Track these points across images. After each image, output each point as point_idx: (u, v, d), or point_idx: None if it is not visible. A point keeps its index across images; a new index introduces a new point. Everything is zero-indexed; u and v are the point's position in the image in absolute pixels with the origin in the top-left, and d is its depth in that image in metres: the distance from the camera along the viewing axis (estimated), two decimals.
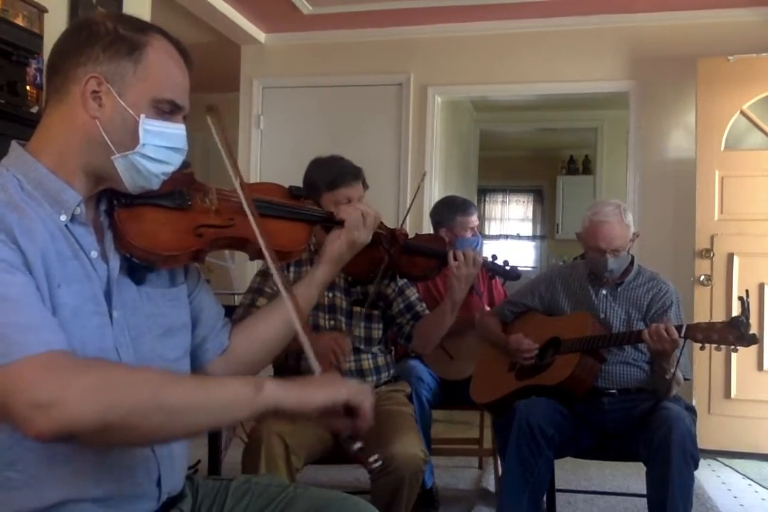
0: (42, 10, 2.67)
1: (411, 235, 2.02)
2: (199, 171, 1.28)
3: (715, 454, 3.53)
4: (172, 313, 1.17)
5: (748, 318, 1.98)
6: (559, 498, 2.54)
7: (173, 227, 1.16)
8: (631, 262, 2.45)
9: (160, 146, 1.08)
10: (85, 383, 0.88)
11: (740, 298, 2.02)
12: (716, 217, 3.69)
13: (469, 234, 3.03)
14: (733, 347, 2.01)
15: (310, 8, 4.11)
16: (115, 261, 1.09)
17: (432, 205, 3.37)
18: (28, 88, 2.49)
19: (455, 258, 1.91)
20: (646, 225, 3.87)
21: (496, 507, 2.30)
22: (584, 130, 6.99)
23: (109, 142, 1.05)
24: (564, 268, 2.68)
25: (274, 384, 0.98)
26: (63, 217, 1.03)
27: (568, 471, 3.18)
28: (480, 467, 3.40)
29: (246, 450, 1.93)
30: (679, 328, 2.07)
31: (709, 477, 3.28)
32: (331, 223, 1.41)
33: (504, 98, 4.97)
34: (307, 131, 4.48)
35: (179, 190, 1.19)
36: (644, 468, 2.13)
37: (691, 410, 2.34)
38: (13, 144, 1.08)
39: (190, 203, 1.20)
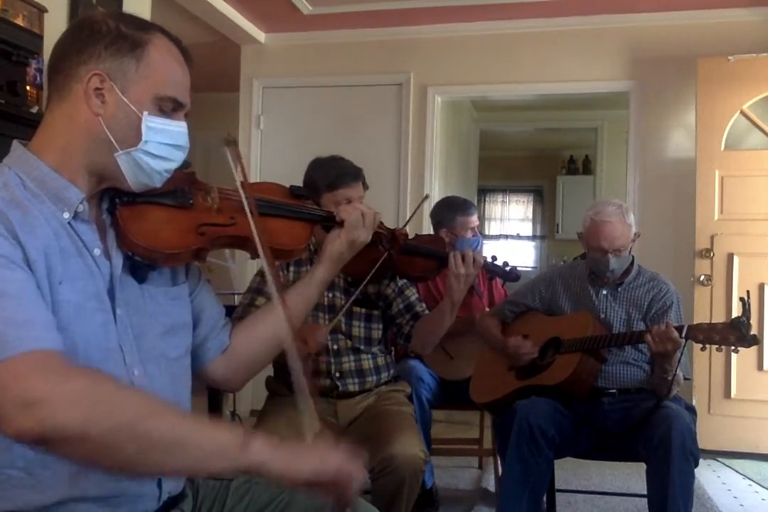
0: (42, 10, 2.66)
1: (411, 236, 2.02)
2: (199, 170, 1.28)
3: (715, 454, 3.53)
4: (173, 312, 1.18)
5: (749, 319, 1.98)
6: (559, 498, 2.54)
7: (175, 225, 1.17)
8: (632, 263, 2.45)
9: (162, 143, 1.08)
10: (75, 387, 0.87)
11: (741, 299, 2.02)
12: (716, 217, 3.69)
13: (469, 234, 3.03)
14: (734, 348, 2.01)
15: (310, 8, 4.10)
16: (118, 259, 1.09)
17: (432, 205, 3.37)
18: (28, 88, 2.49)
19: (455, 259, 1.91)
20: (646, 225, 3.86)
21: (496, 507, 2.30)
22: (584, 130, 6.99)
23: (112, 139, 1.05)
24: (564, 268, 2.68)
25: (262, 444, 0.92)
26: (66, 215, 1.03)
27: (568, 471, 3.18)
28: (480, 467, 3.41)
29: None
30: (680, 329, 2.07)
31: (709, 477, 3.28)
32: (331, 222, 1.42)
33: (504, 98, 4.96)
34: (307, 131, 4.48)
35: (181, 188, 1.20)
36: (644, 469, 2.12)
37: (691, 410, 2.34)
38: (15, 143, 1.08)
39: (191, 202, 1.20)
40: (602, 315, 2.39)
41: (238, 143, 1.25)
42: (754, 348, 2.04)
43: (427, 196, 3.36)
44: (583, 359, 2.26)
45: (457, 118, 5.45)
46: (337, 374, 2.15)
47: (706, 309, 3.63)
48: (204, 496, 1.23)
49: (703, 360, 3.51)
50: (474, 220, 3.06)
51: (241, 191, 1.21)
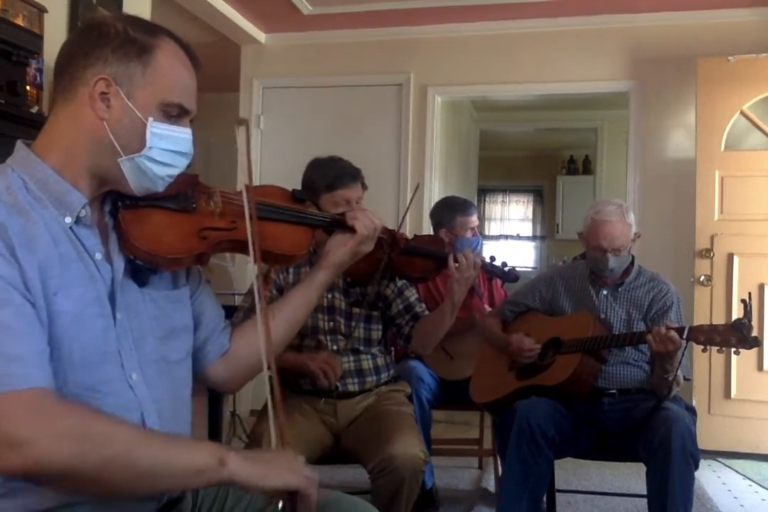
0: (42, 10, 2.66)
1: (410, 236, 2.02)
2: (199, 170, 1.28)
3: (715, 454, 3.53)
4: (174, 315, 1.17)
5: (750, 321, 1.98)
6: (559, 498, 2.54)
7: (177, 229, 1.16)
8: (632, 263, 2.45)
9: (166, 149, 1.08)
10: (61, 427, 0.89)
11: (743, 301, 2.02)
12: (716, 217, 3.69)
13: (469, 234, 3.03)
14: (735, 350, 2.01)
15: (310, 8, 4.10)
16: (119, 263, 1.09)
17: (432, 205, 3.37)
18: (28, 88, 2.49)
19: (455, 261, 1.90)
20: (646, 225, 3.86)
21: (496, 507, 2.30)
22: (584, 130, 6.98)
23: (116, 144, 1.05)
24: (564, 268, 2.68)
25: (237, 461, 0.98)
26: (68, 219, 1.03)
27: (568, 471, 3.18)
28: (480, 467, 3.41)
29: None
30: (681, 330, 2.07)
31: (710, 477, 3.28)
32: (341, 226, 1.41)
33: (504, 98, 4.96)
34: (307, 131, 4.48)
35: (184, 192, 1.19)
36: (644, 468, 2.12)
37: (691, 410, 2.34)
38: (19, 143, 1.07)
39: (194, 205, 1.20)
40: (602, 316, 2.39)
41: (248, 124, 1.24)
42: (754, 349, 2.03)
43: (418, 185, 3.33)
44: (583, 359, 2.26)
45: (457, 118, 5.45)
46: None
47: (706, 310, 3.63)
48: (203, 497, 1.23)
49: (703, 361, 3.50)
50: (474, 220, 3.06)
51: (245, 196, 1.21)
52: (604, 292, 2.42)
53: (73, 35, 1.09)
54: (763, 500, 3.01)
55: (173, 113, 1.08)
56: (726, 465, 3.47)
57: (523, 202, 8.86)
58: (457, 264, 1.90)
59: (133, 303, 1.10)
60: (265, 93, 4.62)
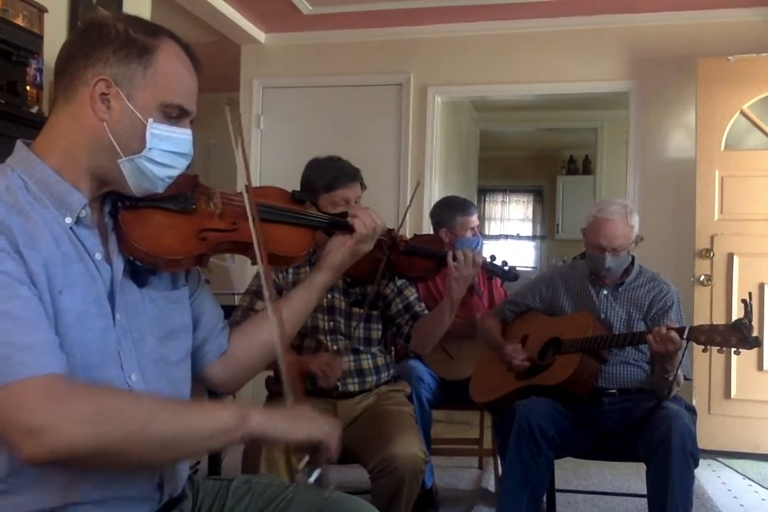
0: (42, 10, 2.66)
1: (410, 235, 2.02)
2: (198, 171, 1.28)
3: (715, 454, 3.53)
4: (174, 316, 1.17)
5: (751, 321, 1.98)
6: (559, 498, 2.54)
7: (177, 231, 1.16)
8: (632, 263, 2.45)
9: (166, 150, 1.08)
10: (79, 411, 0.89)
11: (743, 301, 2.01)
12: (716, 217, 3.69)
13: (469, 234, 3.03)
14: (735, 350, 2.01)
15: (310, 8, 4.10)
16: (119, 264, 1.09)
17: (432, 205, 3.37)
18: (28, 88, 2.49)
19: (454, 259, 1.90)
20: (646, 225, 3.82)
21: (496, 507, 2.30)
22: (584, 130, 6.98)
23: (116, 145, 1.05)
24: (565, 268, 2.68)
25: (260, 416, 1.02)
26: (68, 220, 1.03)
27: (568, 471, 3.18)
28: (480, 467, 3.41)
29: (246, 451, 1.94)
30: (682, 330, 2.07)
31: (709, 477, 3.28)
32: (341, 226, 1.41)
33: (504, 98, 4.96)
34: (307, 131, 4.48)
35: (184, 193, 1.19)
36: (644, 468, 2.12)
37: (691, 410, 2.34)
38: (19, 143, 1.07)
39: (194, 206, 1.20)
40: (602, 315, 2.39)
41: (238, 105, 1.25)
42: (754, 349, 2.03)
43: (419, 182, 3.33)
44: (583, 359, 2.26)
45: (457, 118, 5.45)
46: None
47: (706, 310, 3.63)
48: (204, 497, 1.23)
49: (703, 361, 3.51)
50: (474, 219, 3.06)
51: (245, 197, 1.21)
52: (605, 292, 2.42)
53: (73, 35, 1.09)
54: (763, 500, 3.01)
55: (173, 114, 1.08)
56: (726, 465, 3.47)
57: (523, 202, 8.86)
58: (456, 263, 1.90)
59: (133, 304, 1.10)
60: (265, 93, 4.62)
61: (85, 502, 1.00)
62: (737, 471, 3.38)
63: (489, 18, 4.16)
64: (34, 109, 2.48)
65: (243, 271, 3.85)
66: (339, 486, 1.17)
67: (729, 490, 3.11)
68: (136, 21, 1.08)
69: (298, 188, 1.99)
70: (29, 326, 0.92)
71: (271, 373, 2.26)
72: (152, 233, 1.12)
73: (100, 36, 1.04)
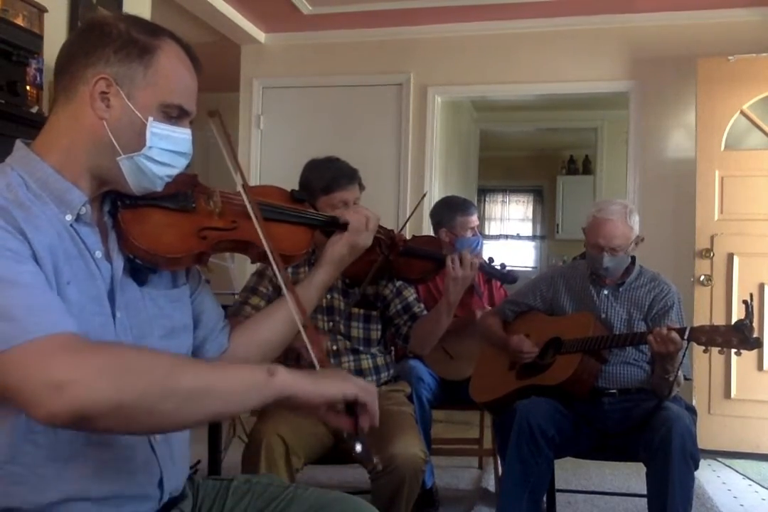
0: (42, 10, 2.67)
1: (409, 235, 2.02)
2: (198, 170, 1.28)
3: (715, 454, 3.53)
4: (174, 314, 1.17)
5: (752, 322, 1.98)
6: (559, 498, 2.54)
7: (177, 229, 1.16)
8: (633, 262, 2.45)
9: (165, 149, 1.08)
10: (99, 363, 0.88)
11: (744, 302, 2.01)
12: (716, 217, 3.69)
13: (469, 234, 3.03)
14: (736, 350, 2.01)
15: (310, 8, 4.11)
16: (119, 262, 1.09)
17: (432, 205, 3.37)
18: (28, 88, 2.49)
19: (452, 261, 1.90)
20: (646, 225, 3.82)
21: (496, 507, 2.30)
22: (584, 130, 6.99)
23: (115, 144, 1.05)
24: (565, 268, 2.69)
25: (286, 372, 0.98)
26: (68, 217, 1.03)
27: (568, 471, 3.18)
28: (480, 467, 3.40)
29: (246, 450, 1.94)
30: (683, 331, 2.07)
31: (709, 477, 3.28)
32: (336, 226, 1.41)
33: (504, 98, 4.97)
34: (307, 131, 4.48)
35: (183, 191, 1.19)
36: (644, 468, 2.12)
37: (691, 410, 2.34)
38: (18, 143, 1.08)
39: (194, 205, 1.20)
40: (603, 315, 2.39)
41: (221, 114, 1.24)
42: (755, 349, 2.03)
43: (425, 194, 3.36)
44: (584, 359, 2.26)
45: (457, 118, 5.45)
46: None
47: (706, 310, 3.63)
48: (204, 496, 1.23)
49: (703, 361, 3.50)
50: (474, 219, 3.06)
51: (244, 195, 1.21)
52: (605, 292, 2.42)
53: (74, 34, 1.09)
54: (763, 500, 3.01)
55: (173, 114, 1.08)
56: (726, 465, 3.47)
57: (523, 202, 8.86)
58: (454, 265, 1.90)
59: (133, 302, 1.10)
60: (265, 93, 4.62)
61: (84, 498, 1.00)
62: (737, 471, 3.38)
63: (488, 18, 4.16)
64: (34, 109, 2.48)
65: (243, 271, 3.85)
66: (339, 486, 1.17)
67: (729, 490, 3.12)
68: (137, 21, 1.09)
69: (297, 188, 1.98)
70: (40, 292, 0.92)
71: None
72: (152, 231, 1.12)
73: (101, 35, 1.04)
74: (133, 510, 1.06)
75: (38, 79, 2.56)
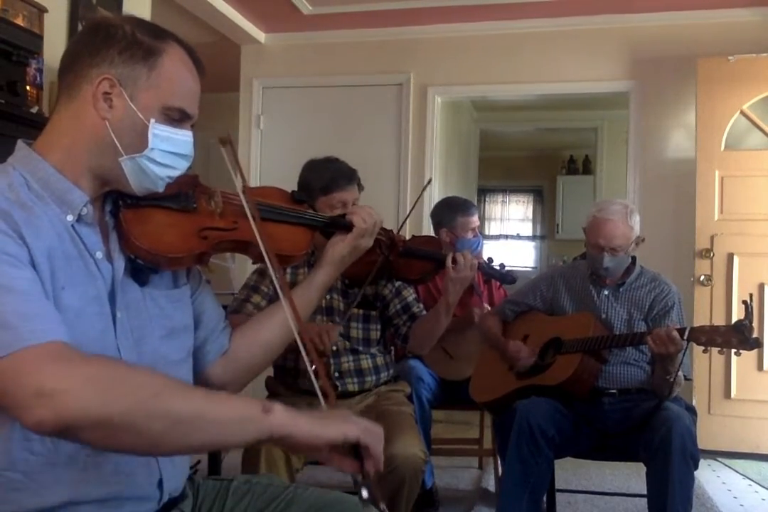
0: (42, 10, 2.67)
1: (409, 236, 2.02)
2: (199, 171, 1.28)
3: (715, 454, 3.53)
4: (175, 315, 1.17)
5: (751, 322, 1.98)
6: (559, 498, 2.54)
7: (178, 229, 1.17)
8: (633, 263, 2.45)
9: (166, 151, 1.08)
10: (88, 373, 0.87)
11: (744, 302, 2.02)
12: (716, 217, 3.69)
13: (470, 234, 3.03)
14: (736, 351, 2.01)
15: (310, 8, 4.10)
16: (119, 262, 1.09)
17: (432, 205, 3.37)
18: (28, 88, 2.49)
19: (451, 262, 1.90)
20: (646, 225, 3.82)
21: (496, 507, 2.30)
22: (584, 130, 6.99)
23: (117, 144, 1.05)
24: (565, 268, 2.69)
25: (283, 410, 0.94)
26: (69, 217, 1.03)
27: (568, 471, 3.18)
28: (480, 467, 3.40)
29: (246, 451, 1.93)
30: (682, 331, 2.07)
31: (709, 477, 3.28)
32: (338, 227, 1.40)
33: (504, 98, 4.97)
34: (307, 131, 4.48)
35: (185, 192, 1.20)
36: (644, 468, 2.13)
37: (691, 410, 2.34)
38: (20, 143, 1.08)
39: (195, 205, 1.20)
40: (603, 316, 2.39)
41: (233, 142, 1.24)
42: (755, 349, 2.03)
43: (430, 180, 3.30)
44: (584, 359, 2.26)
45: (457, 118, 5.45)
46: (336, 374, 2.15)
47: (706, 310, 3.63)
48: (204, 497, 1.23)
49: (703, 361, 3.50)
50: (475, 220, 3.06)
51: (242, 197, 1.21)
52: (605, 292, 2.42)
53: (80, 34, 1.10)
54: (763, 500, 3.01)
55: (175, 117, 1.09)
56: (726, 465, 3.47)
57: (523, 202, 8.86)
58: (452, 266, 1.90)
59: (134, 302, 1.10)
60: (265, 93, 4.62)
61: (84, 501, 1.00)
62: (737, 471, 3.38)
63: (488, 18, 4.16)
64: (34, 109, 2.48)
65: (243, 271, 3.84)
66: (339, 486, 1.17)
67: (729, 490, 3.12)
68: (142, 23, 1.09)
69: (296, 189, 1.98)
70: (34, 299, 0.92)
71: (271, 374, 2.27)
72: (154, 231, 1.12)
73: (106, 36, 1.05)
74: (133, 510, 1.06)
75: (38, 79, 2.56)
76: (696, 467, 2.05)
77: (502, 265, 2.23)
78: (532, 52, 4.21)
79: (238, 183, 1.23)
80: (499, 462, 2.82)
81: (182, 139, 1.10)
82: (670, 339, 2.05)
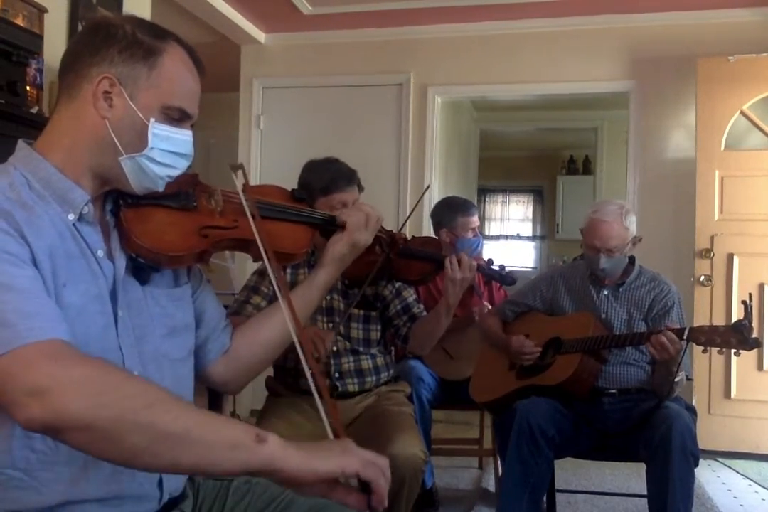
0: (42, 10, 2.66)
1: (409, 234, 2.02)
2: (199, 170, 1.28)
3: (715, 454, 3.53)
4: (176, 313, 1.18)
5: (751, 322, 1.98)
6: (559, 498, 2.54)
7: (179, 228, 1.17)
8: (632, 263, 2.45)
9: (166, 151, 1.09)
10: (80, 375, 0.87)
11: (743, 302, 2.02)
12: (716, 217, 3.69)
13: (470, 234, 3.03)
14: (735, 351, 2.01)
15: (310, 8, 4.10)
16: (121, 261, 1.10)
17: (432, 205, 3.37)
18: (28, 88, 2.49)
19: (451, 263, 1.90)
20: (646, 225, 3.85)
21: (496, 507, 2.30)
22: (584, 130, 6.98)
23: (117, 143, 1.06)
24: (565, 268, 2.69)
25: (277, 442, 0.89)
26: (71, 216, 1.04)
27: (568, 471, 3.18)
28: (480, 467, 3.41)
29: None
30: (682, 331, 2.07)
31: (709, 477, 3.28)
32: (334, 226, 1.41)
33: (504, 98, 4.97)
34: (307, 131, 4.48)
35: (185, 191, 1.20)
36: (644, 468, 2.13)
37: (691, 410, 2.34)
38: (20, 143, 1.08)
39: (195, 204, 1.21)
40: (603, 316, 2.39)
41: (244, 168, 1.25)
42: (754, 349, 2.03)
43: (428, 187, 3.33)
44: (583, 359, 2.27)
45: (457, 118, 5.45)
46: (337, 374, 2.15)
47: (706, 310, 3.63)
48: (204, 497, 1.23)
49: (703, 361, 3.50)
50: (475, 220, 3.06)
51: (242, 196, 1.21)
52: (605, 292, 2.42)
53: (80, 34, 1.10)
54: (763, 500, 3.01)
55: (175, 117, 1.09)
56: (726, 465, 3.47)
57: (523, 202, 8.86)
58: (452, 266, 1.90)
59: (135, 301, 1.10)
60: (265, 93, 4.62)
61: (84, 500, 1.00)
62: (737, 471, 3.38)
63: (489, 18, 4.16)
64: (34, 109, 2.48)
65: (243, 271, 3.85)
66: None
67: (729, 490, 3.12)
68: (143, 23, 1.10)
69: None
70: (34, 297, 0.92)
71: (271, 373, 2.26)
72: (154, 230, 1.13)
73: (107, 36, 1.05)
74: (133, 510, 1.06)
75: (38, 79, 2.56)
76: (696, 465, 2.05)
77: (502, 267, 2.23)
78: (532, 52, 4.21)
79: (239, 182, 1.23)
80: (499, 462, 2.82)
81: (182, 138, 1.10)
82: (669, 340, 2.05)
